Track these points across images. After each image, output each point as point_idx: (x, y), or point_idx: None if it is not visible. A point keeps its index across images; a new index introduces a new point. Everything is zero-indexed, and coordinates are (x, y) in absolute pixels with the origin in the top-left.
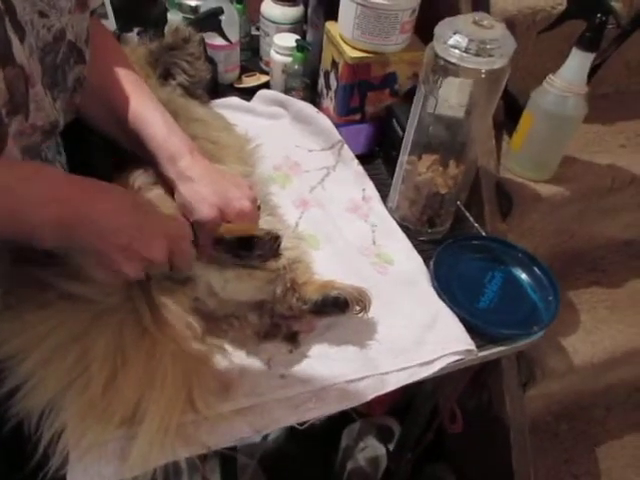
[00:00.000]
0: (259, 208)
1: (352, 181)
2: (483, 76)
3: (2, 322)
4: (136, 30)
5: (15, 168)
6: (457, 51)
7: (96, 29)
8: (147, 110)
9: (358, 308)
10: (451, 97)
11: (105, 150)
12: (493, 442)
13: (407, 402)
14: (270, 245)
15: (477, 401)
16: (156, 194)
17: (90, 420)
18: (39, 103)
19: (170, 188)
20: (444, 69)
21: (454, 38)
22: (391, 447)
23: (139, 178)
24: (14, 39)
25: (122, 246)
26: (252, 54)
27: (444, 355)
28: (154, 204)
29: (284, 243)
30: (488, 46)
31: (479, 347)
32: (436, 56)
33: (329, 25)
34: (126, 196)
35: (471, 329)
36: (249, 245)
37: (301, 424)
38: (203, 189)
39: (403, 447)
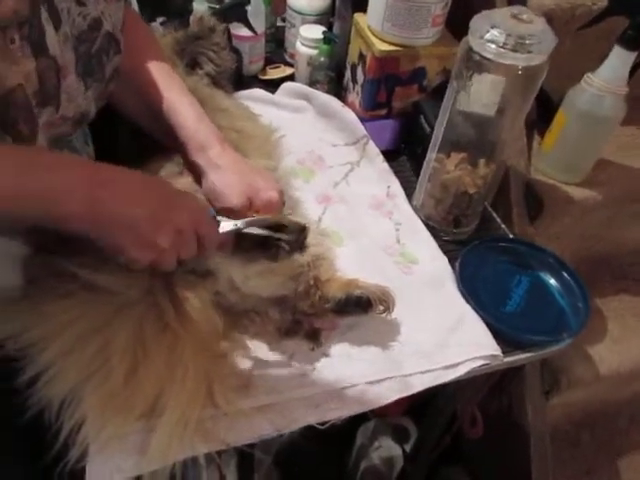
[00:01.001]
0: (284, 204)
1: (376, 178)
2: (519, 73)
3: (23, 311)
4: (159, 20)
5: (40, 155)
6: (493, 46)
7: (127, 15)
8: (178, 99)
9: (381, 308)
10: (484, 94)
11: (131, 139)
12: (512, 449)
13: (424, 403)
14: (297, 235)
15: (497, 405)
16: (184, 182)
17: (110, 412)
18: (71, 94)
19: (197, 177)
20: (478, 65)
21: (491, 32)
22: (407, 448)
23: (165, 168)
24: (48, 28)
25: (154, 216)
26: (277, 46)
27: (469, 359)
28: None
29: (308, 240)
30: (527, 41)
31: (505, 352)
32: (470, 51)
33: (357, 17)
34: (150, 177)
35: (497, 334)
36: (276, 238)
37: (321, 424)
38: (232, 177)
39: (420, 449)
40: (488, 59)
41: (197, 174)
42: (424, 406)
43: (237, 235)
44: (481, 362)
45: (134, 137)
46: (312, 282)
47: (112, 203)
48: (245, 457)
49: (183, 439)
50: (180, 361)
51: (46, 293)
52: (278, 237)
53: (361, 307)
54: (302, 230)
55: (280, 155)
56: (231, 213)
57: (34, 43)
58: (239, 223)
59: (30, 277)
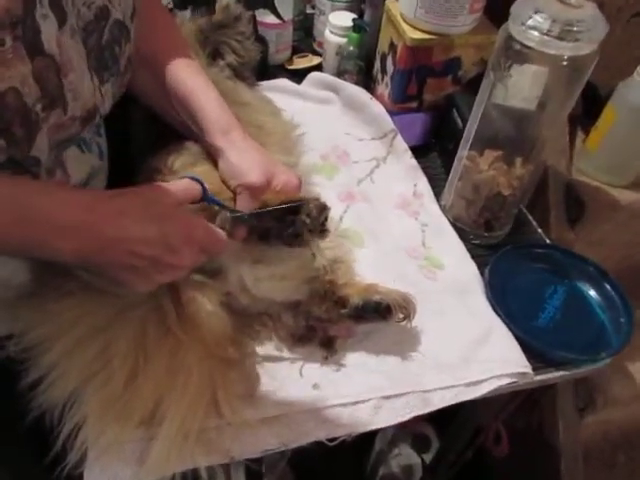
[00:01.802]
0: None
1: (403, 175)
2: (565, 64)
3: (26, 310)
4: (190, 7)
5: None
6: (536, 33)
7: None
8: (200, 84)
9: (401, 316)
10: (524, 87)
11: (144, 128)
12: (541, 469)
13: (448, 410)
14: (316, 214)
15: (526, 421)
16: (200, 170)
17: (109, 417)
18: (75, 92)
19: (215, 162)
20: (519, 54)
21: (534, 18)
22: (426, 457)
23: (178, 160)
24: (44, 26)
25: (153, 258)
26: (305, 34)
27: (495, 376)
28: (171, 203)
29: (325, 242)
30: (575, 28)
31: (535, 370)
32: (510, 39)
33: (389, 3)
34: (145, 206)
35: (527, 349)
36: (294, 212)
37: (330, 440)
38: (253, 156)
39: (440, 461)
40: (530, 48)
41: (215, 158)
42: (448, 414)
43: (250, 222)
44: (508, 380)
45: (147, 126)
46: (328, 286)
47: (111, 253)
48: (252, 471)
49: (183, 450)
50: (182, 367)
51: (51, 291)
52: (289, 230)
53: (380, 314)
54: (322, 209)
55: (301, 152)
56: (248, 190)
57: (29, 43)
58: (247, 213)
59: (36, 274)
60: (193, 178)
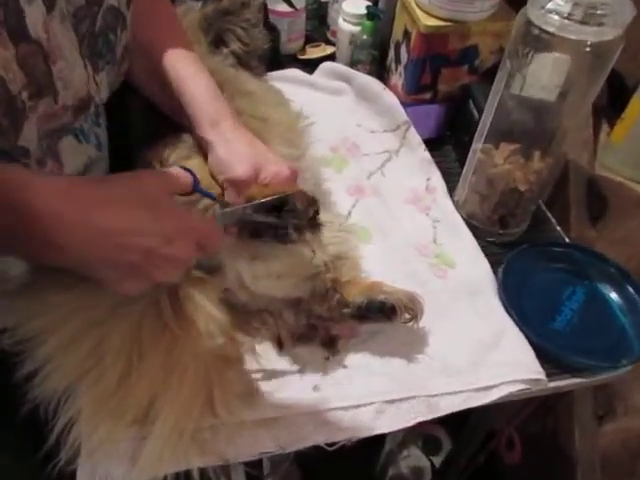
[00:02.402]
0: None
1: (416, 168)
2: (587, 50)
3: (23, 302)
4: None
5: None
6: (557, 17)
7: None
8: (191, 73)
9: (407, 316)
10: (543, 76)
11: (142, 118)
12: (555, 477)
13: (460, 413)
14: (302, 208)
15: (540, 427)
16: (192, 164)
17: (102, 414)
18: (65, 80)
19: (206, 156)
20: (538, 40)
21: (554, 1)
22: (436, 460)
23: (174, 153)
24: (28, 10)
25: (148, 250)
26: (319, 23)
27: (506, 382)
28: (162, 191)
29: (329, 237)
30: (598, 11)
31: (550, 376)
32: (529, 24)
33: None
34: (135, 193)
35: (541, 354)
36: (279, 207)
37: (330, 444)
38: (241, 149)
39: (451, 465)
40: (550, 33)
41: (206, 152)
42: (460, 416)
43: (241, 217)
44: (520, 386)
45: (146, 116)
46: (330, 284)
47: (100, 251)
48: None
49: (177, 450)
50: (178, 364)
51: (49, 283)
52: (277, 228)
53: (384, 314)
54: (309, 203)
55: (307, 143)
56: (235, 185)
57: (11, 28)
58: (238, 208)
59: (34, 266)
60: (184, 168)
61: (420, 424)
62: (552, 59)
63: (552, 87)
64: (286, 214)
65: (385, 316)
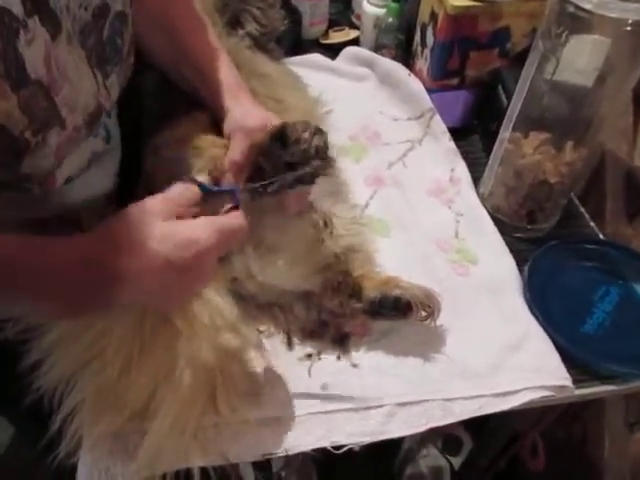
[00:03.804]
0: None
1: (440, 159)
2: (628, 29)
3: None
4: None
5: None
6: None
7: None
8: (213, 50)
9: (424, 314)
10: (580, 59)
11: (155, 100)
12: None
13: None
14: (309, 136)
15: (567, 433)
16: (207, 140)
17: (103, 406)
18: (70, 104)
19: (220, 130)
20: (573, 19)
21: None
22: (457, 461)
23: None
24: (28, 52)
25: (177, 288)
26: (344, 6)
27: (528, 388)
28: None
29: (341, 229)
30: None
31: (577, 382)
32: (564, 1)
33: None
34: (157, 245)
35: (569, 358)
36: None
37: (336, 448)
38: (257, 113)
39: (471, 467)
40: (587, 11)
41: (221, 119)
42: (482, 418)
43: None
44: (544, 393)
45: (158, 100)
46: (341, 278)
47: (128, 296)
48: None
49: (177, 447)
50: (179, 358)
51: None
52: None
53: (399, 311)
54: (315, 132)
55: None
56: (245, 133)
57: (12, 79)
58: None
59: None
60: (187, 180)
61: None
62: (589, 41)
63: (589, 71)
64: (293, 147)
65: (400, 313)
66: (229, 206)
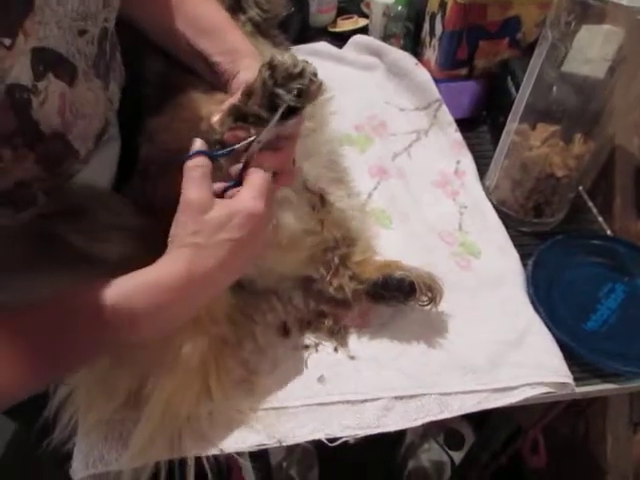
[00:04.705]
0: None
1: (446, 150)
2: None
3: (29, 280)
4: None
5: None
6: None
7: None
8: (221, 12)
9: (425, 299)
10: (590, 49)
11: (156, 86)
12: None
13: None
14: (292, 61)
15: (570, 431)
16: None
17: (98, 392)
18: (84, 135)
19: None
20: (584, 8)
21: None
22: (457, 456)
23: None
24: (41, 114)
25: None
26: None
27: (528, 384)
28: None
29: (341, 215)
30: None
31: (578, 380)
32: None
33: None
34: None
35: (571, 355)
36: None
37: (331, 440)
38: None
39: (472, 462)
40: (599, 0)
41: (227, 81)
42: (484, 412)
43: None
44: (543, 389)
45: (157, 86)
46: (338, 261)
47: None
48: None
49: (170, 435)
50: (171, 344)
51: (46, 261)
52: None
53: (402, 292)
54: (297, 62)
55: (325, 116)
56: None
57: (29, 141)
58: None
59: (27, 242)
60: (188, 156)
61: None
62: (602, 31)
63: (600, 62)
64: (280, 68)
65: (403, 295)
66: (239, 165)
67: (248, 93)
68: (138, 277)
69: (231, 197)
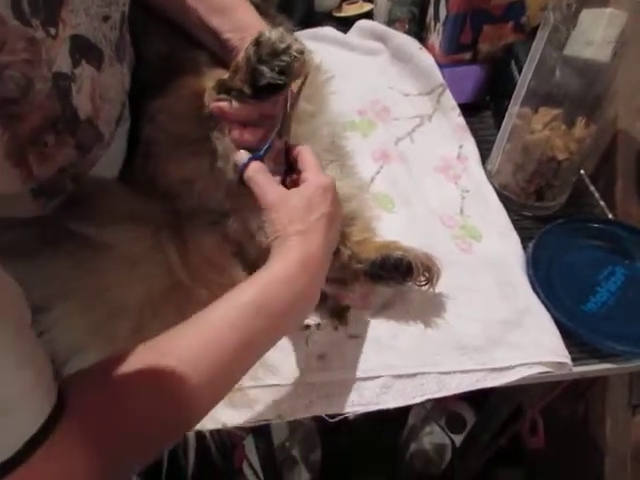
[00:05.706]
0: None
1: (449, 135)
2: None
3: (32, 268)
4: None
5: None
6: None
7: None
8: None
9: (422, 279)
10: (593, 31)
11: (154, 69)
12: (581, 467)
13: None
14: (280, 35)
15: (569, 412)
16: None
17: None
18: (108, 120)
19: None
20: None
21: None
22: (458, 439)
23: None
24: (79, 100)
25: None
26: None
27: (525, 364)
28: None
29: (341, 194)
30: None
31: (576, 360)
32: None
33: None
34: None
35: (569, 336)
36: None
37: (331, 416)
38: None
39: (472, 443)
40: None
41: (236, 54)
42: (485, 394)
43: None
44: (541, 369)
45: (158, 68)
46: (339, 241)
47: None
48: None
49: None
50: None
51: (48, 250)
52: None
53: (400, 272)
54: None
55: (325, 99)
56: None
57: (71, 128)
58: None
59: (37, 233)
60: (244, 166)
61: (444, 400)
62: (605, 14)
63: (603, 45)
64: (265, 44)
65: (400, 275)
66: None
67: (235, 69)
68: (260, 277)
69: (292, 182)
